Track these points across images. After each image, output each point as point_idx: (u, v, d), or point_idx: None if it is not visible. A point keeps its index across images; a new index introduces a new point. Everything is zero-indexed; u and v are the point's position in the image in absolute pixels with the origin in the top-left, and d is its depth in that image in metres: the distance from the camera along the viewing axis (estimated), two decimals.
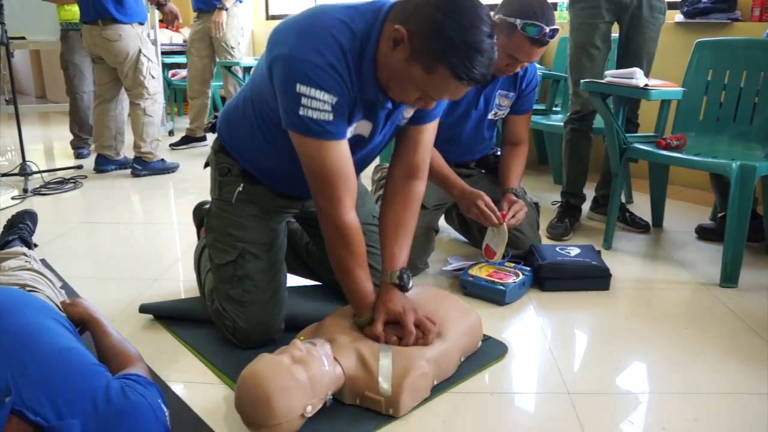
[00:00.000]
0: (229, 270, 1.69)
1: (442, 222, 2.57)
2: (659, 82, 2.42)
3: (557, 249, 2.23)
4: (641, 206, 3.04)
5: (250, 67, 4.61)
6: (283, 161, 1.58)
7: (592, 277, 2.14)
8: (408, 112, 1.60)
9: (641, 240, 2.70)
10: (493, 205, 2.10)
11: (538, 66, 3.71)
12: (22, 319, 1.28)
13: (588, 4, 2.57)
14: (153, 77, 3.90)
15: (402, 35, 1.31)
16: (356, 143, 1.53)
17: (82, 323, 1.58)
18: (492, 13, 1.60)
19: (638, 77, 2.28)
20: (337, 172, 1.45)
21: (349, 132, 1.49)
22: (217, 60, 4.68)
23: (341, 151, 1.45)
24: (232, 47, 4.49)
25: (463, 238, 2.67)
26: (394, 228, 1.63)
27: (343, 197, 1.48)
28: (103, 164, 4.03)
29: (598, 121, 2.70)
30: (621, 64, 2.60)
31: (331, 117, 1.38)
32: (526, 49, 1.99)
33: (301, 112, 1.37)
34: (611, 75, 2.37)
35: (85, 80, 4.47)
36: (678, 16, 3.32)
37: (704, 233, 2.69)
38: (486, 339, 1.73)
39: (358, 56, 1.39)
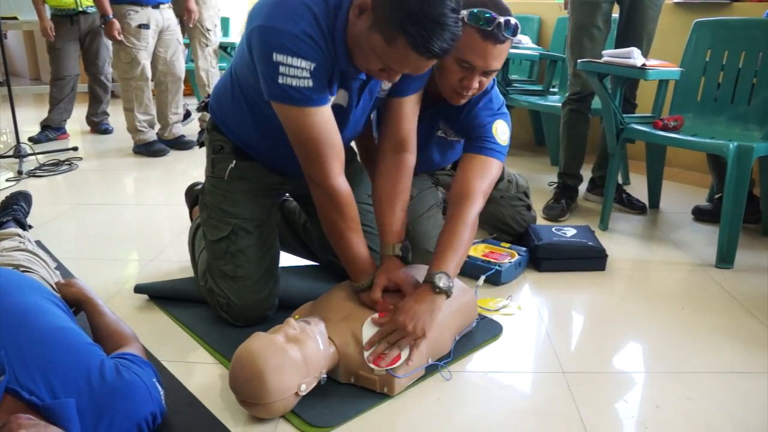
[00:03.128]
0: (222, 246, 1.70)
1: None
2: (657, 62, 2.40)
3: (553, 230, 2.23)
4: (638, 187, 3.04)
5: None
6: (272, 137, 1.59)
7: (589, 258, 2.15)
8: (386, 84, 1.59)
9: (638, 221, 2.69)
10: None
11: (537, 48, 3.68)
12: (16, 299, 1.28)
13: None
14: (121, 61, 3.84)
15: (366, 3, 1.31)
16: (337, 113, 1.52)
17: (77, 303, 1.58)
18: None
19: (636, 57, 2.26)
20: (321, 139, 1.45)
21: (331, 100, 1.49)
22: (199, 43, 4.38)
23: (324, 117, 1.44)
24: (208, 29, 4.21)
25: None
26: (389, 202, 1.63)
27: (330, 162, 1.48)
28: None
29: (596, 102, 2.69)
30: (620, 44, 2.58)
31: (310, 83, 1.38)
32: (479, 47, 1.56)
33: (280, 81, 1.38)
34: (608, 54, 2.35)
35: (68, 66, 4.40)
36: None
37: (701, 214, 2.69)
38: (481, 319, 1.73)
39: (332, 25, 1.39)
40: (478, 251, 2.11)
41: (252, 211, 1.72)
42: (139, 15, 3.70)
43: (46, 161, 3.68)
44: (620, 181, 3.12)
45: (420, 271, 1.60)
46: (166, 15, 3.85)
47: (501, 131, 1.76)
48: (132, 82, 3.81)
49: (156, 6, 3.75)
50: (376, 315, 1.49)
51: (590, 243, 2.16)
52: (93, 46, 4.42)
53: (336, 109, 1.51)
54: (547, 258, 2.12)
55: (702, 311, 1.88)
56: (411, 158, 1.66)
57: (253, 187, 1.73)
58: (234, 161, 1.71)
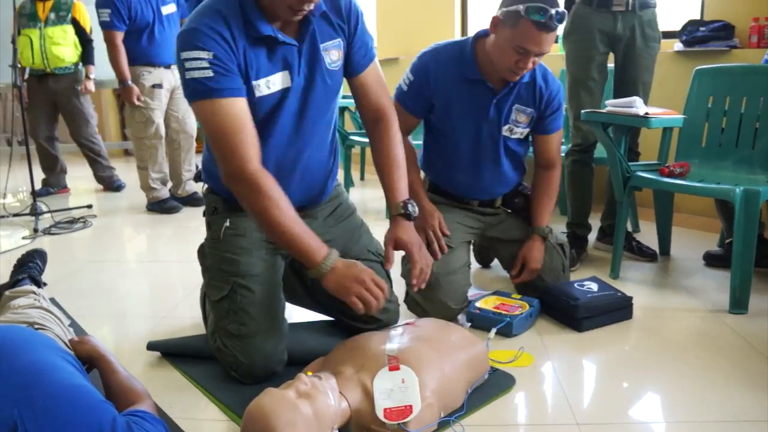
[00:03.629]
0: (224, 305, 1.70)
1: None
2: (659, 110, 2.44)
3: (576, 286, 2.15)
4: (648, 235, 3.04)
5: None
6: None
7: (620, 309, 2.13)
8: (333, 54, 1.67)
9: (649, 269, 2.69)
10: (440, 233, 2.10)
11: None
12: (30, 356, 1.29)
13: (582, 36, 2.58)
14: (136, 120, 3.95)
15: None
16: (286, 97, 1.61)
17: (90, 361, 1.59)
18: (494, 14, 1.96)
19: (638, 106, 2.30)
20: (231, 128, 1.50)
21: (267, 87, 1.57)
22: None
23: (234, 108, 1.51)
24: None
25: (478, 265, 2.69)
26: (387, 165, 1.78)
27: (243, 150, 1.51)
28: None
29: (599, 151, 2.72)
30: (617, 94, 2.62)
31: (210, 73, 1.48)
32: (534, 37, 1.88)
33: (187, 76, 1.49)
34: (611, 105, 2.39)
35: (36, 129, 4.55)
36: (677, 45, 3.36)
37: (712, 260, 2.68)
38: (493, 371, 1.72)
39: (237, 7, 1.52)
40: (489, 303, 2.10)
41: (250, 268, 1.72)
42: (152, 75, 3.82)
43: (61, 219, 3.74)
44: (630, 229, 3.14)
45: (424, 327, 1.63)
46: (176, 75, 3.97)
47: (563, 108, 2.23)
48: (146, 141, 3.90)
49: (168, 66, 3.87)
50: (387, 368, 1.49)
51: (618, 293, 2.14)
52: (66, 111, 4.56)
53: (284, 92, 1.60)
54: (587, 317, 2.05)
55: (717, 358, 1.86)
56: (393, 124, 1.81)
57: (250, 243, 1.74)
58: (228, 220, 1.74)
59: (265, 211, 1.53)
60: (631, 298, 2.15)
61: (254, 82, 1.56)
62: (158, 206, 3.99)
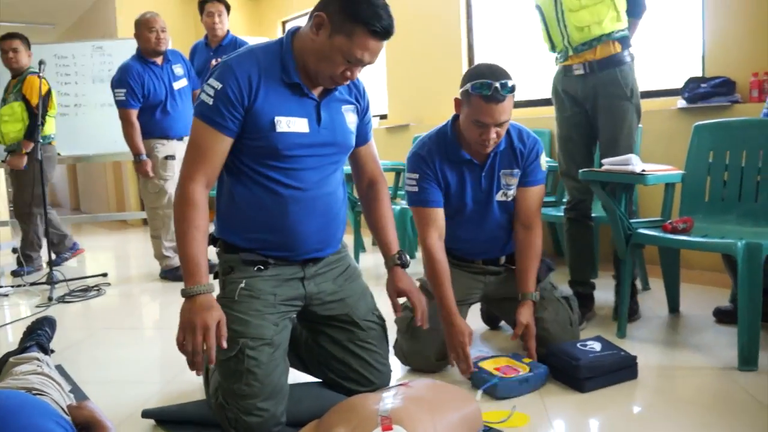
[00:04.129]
0: (231, 365, 1.72)
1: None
2: (657, 166, 2.46)
3: (579, 346, 2.13)
4: (658, 292, 3.00)
5: None
6: (261, 209, 1.79)
7: (624, 368, 2.09)
8: (350, 117, 1.89)
9: (657, 326, 2.65)
10: (468, 352, 2.07)
11: (547, 160, 3.77)
12: (22, 421, 1.31)
13: (556, 99, 2.77)
14: (149, 191, 4.04)
15: (321, 18, 1.66)
16: (310, 142, 1.78)
17: (87, 426, 1.60)
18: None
19: (634, 163, 2.32)
20: (200, 150, 1.71)
21: (287, 126, 1.74)
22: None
23: (211, 138, 1.71)
24: None
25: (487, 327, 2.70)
26: (380, 223, 2.01)
27: (196, 171, 1.71)
28: None
29: (598, 209, 2.72)
30: (601, 153, 2.63)
31: (211, 102, 1.70)
32: (484, 109, 2.04)
33: (199, 95, 1.74)
34: (608, 163, 2.41)
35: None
36: (680, 102, 3.40)
37: (722, 316, 2.63)
38: (487, 430, 1.69)
39: (277, 55, 1.76)
40: (494, 364, 2.09)
41: (261, 330, 1.75)
42: (165, 147, 3.94)
43: (75, 287, 3.80)
44: (640, 287, 3.11)
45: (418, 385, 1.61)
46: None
47: (543, 161, 2.30)
48: (159, 210, 3.99)
49: (180, 138, 3.99)
50: (380, 429, 1.48)
51: (622, 353, 2.11)
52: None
53: (299, 135, 1.76)
54: (590, 377, 2.02)
55: (726, 417, 1.81)
56: (383, 187, 2.05)
57: (264, 306, 1.78)
58: (244, 281, 1.78)
59: (184, 219, 1.68)
60: (635, 358, 2.11)
61: (276, 118, 1.74)
62: (171, 274, 4.03)
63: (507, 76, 2.06)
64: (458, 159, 2.24)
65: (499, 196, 2.28)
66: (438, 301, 2.16)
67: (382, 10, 1.65)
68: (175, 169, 3.98)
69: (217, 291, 1.71)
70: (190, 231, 1.67)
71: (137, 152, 3.88)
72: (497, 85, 2.01)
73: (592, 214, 2.81)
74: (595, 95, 2.60)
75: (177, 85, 4.00)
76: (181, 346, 1.65)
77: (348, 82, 1.78)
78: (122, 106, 3.84)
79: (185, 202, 1.70)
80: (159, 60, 3.95)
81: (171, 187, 3.98)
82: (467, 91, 2.07)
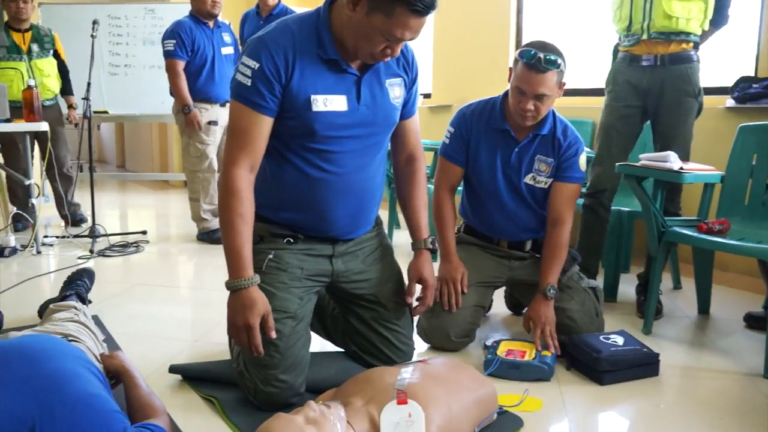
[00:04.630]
0: None
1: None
2: (696, 165, 2.42)
3: (601, 339, 2.13)
4: (689, 292, 2.96)
5: None
6: (290, 189, 1.79)
7: (645, 365, 2.09)
8: (396, 91, 1.82)
9: (685, 326, 2.62)
10: (459, 288, 2.23)
11: (587, 150, 3.73)
12: (56, 364, 1.38)
13: (613, 88, 2.74)
14: (190, 155, 4.04)
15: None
16: (349, 122, 1.74)
17: (117, 375, 1.68)
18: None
19: (672, 160, 2.29)
20: (242, 132, 1.68)
21: (324, 105, 1.69)
22: None
23: (252, 118, 1.67)
24: None
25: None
26: (413, 205, 1.99)
27: (240, 155, 1.68)
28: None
29: (636, 205, 2.68)
30: (655, 147, 2.65)
31: (249, 82, 1.65)
32: (526, 76, 2.10)
33: (235, 75, 1.69)
34: (645, 158, 2.39)
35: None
36: (729, 101, 3.31)
37: (753, 321, 2.59)
38: (502, 412, 1.72)
39: (314, 28, 1.68)
40: (504, 345, 2.12)
41: (285, 303, 1.77)
42: (209, 112, 3.99)
43: (115, 243, 3.93)
44: (672, 286, 3.08)
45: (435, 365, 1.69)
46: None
47: (582, 161, 2.31)
48: (199, 174, 4.05)
49: (223, 104, 4.03)
50: (395, 402, 1.51)
51: (644, 349, 2.11)
52: (52, 143, 4.16)
53: (337, 114, 1.71)
54: (610, 370, 2.02)
55: (744, 424, 1.79)
56: (421, 165, 2.01)
57: (290, 278, 1.80)
58: (273, 252, 1.80)
59: (228, 208, 1.67)
60: (657, 355, 2.10)
61: (313, 96, 1.68)
62: (207, 236, 4.11)
63: (556, 53, 2.12)
64: (498, 127, 2.29)
65: (527, 179, 2.30)
66: (440, 240, 2.33)
67: None
68: (217, 135, 4.05)
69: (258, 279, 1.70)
70: (233, 220, 1.66)
71: (185, 103, 3.89)
72: (541, 55, 2.07)
73: (612, 207, 2.82)
74: (662, 89, 2.61)
75: (224, 51, 4.05)
76: (230, 338, 1.73)
77: (389, 59, 1.71)
78: (170, 56, 3.87)
79: (228, 190, 1.67)
80: (211, 23, 4.01)
81: (212, 151, 4.04)
82: (516, 57, 2.16)
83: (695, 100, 2.62)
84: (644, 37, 2.60)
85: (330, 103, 1.71)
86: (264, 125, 1.69)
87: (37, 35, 4.44)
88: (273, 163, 1.78)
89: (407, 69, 1.86)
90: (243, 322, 1.64)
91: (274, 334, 1.67)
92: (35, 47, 4.40)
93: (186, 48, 3.88)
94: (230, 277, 1.67)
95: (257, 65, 1.64)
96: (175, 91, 3.92)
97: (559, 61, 2.11)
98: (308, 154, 1.75)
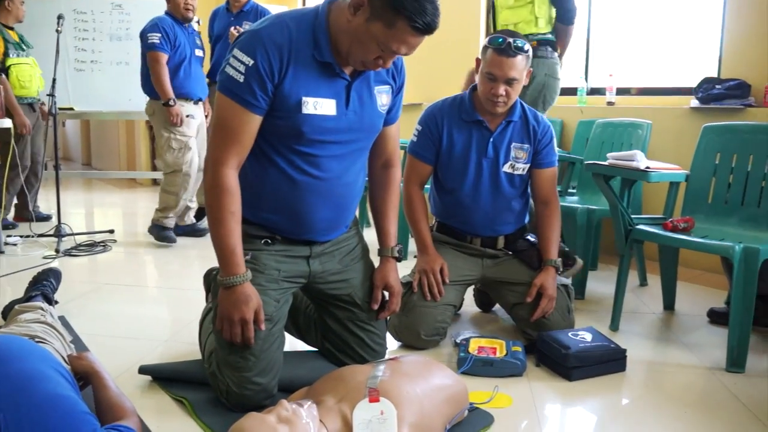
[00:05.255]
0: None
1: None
2: (662, 164, 2.47)
3: (570, 335, 2.16)
4: (655, 288, 3.03)
5: None
6: (271, 191, 1.77)
7: (613, 360, 2.13)
8: (383, 98, 1.81)
9: (650, 322, 2.68)
10: (440, 279, 2.28)
11: (557, 150, 3.79)
12: (21, 365, 1.36)
13: None
14: (172, 148, 3.97)
15: (362, 0, 1.55)
16: (337, 127, 1.73)
17: (85, 376, 1.65)
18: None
19: (638, 159, 2.33)
20: (230, 129, 1.65)
21: (314, 107, 1.68)
22: None
23: (241, 115, 1.64)
24: None
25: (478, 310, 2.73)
26: (384, 210, 1.99)
27: (226, 152, 1.66)
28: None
29: (603, 203, 2.74)
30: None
31: (241, 79, 1.61)
32: (496, 61, 2.17)
33: (225, 68, 1.64)
34: (612, 157, 2.43)
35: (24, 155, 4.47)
36: (693, 102, 3.39)
37: (716, 317, 2.66)
38: (473, 409, 1.74)
39: (310, 28, 1.65)
40: (475, 343, 2.14)
41: (262, 306, 1.74)
42: (185, 108, 3.96)
43: (82, 242, 3.86)
44: (638, 283, 3.14)
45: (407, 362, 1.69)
46: (201, 111, 4.14)
47: (555, 144, 2.42)
48: (183, 167, 3.96)
49: (197, 102, 4.02)
50: (367, 400, 1.52)
51: (612, 345, 2.14)
52: (40, 137, 4.55)
53: (324, 118, 1.70)
54: (578, 366, 2.06)
55: (707, 416, 1.84)
56: (396, 172, 2.02)
57: (267, 280, 1.78)
58: (249, 254, 1.76)
59: (218, 206, 1.66)
60: (624, 351, 2.15)
61: (304, 98, 1.66)
62: (157, 231, 3.98)
63: (524, 39, 2.21)
64: (470, 119, 2.33)
65: (506, 168, 2.34)
66: (415, 234, 2.40)
67: (429, 3, 1.52)
68: (194, 129, 4.03)
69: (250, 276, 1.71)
70: (225, 217, 1.65)
71: (169, 96, 3.84)
72: (510, 40, 2.16)
73: (581, 205, 2.91)
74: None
75: (197, 53, 4.08)
76: (220, 333, 1.71)
77: (380, 69, 1.70)
78: (155, 48, 3.82)
79: (218, 187, 1.66)
80: (186, 25, 4.02)
81: (193, 143, 4.00)
82: (485, 45, 2.23)
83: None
84: None
85: (320, 106, 1.69)
86: (253, 124, 1.67)
87: (19, 32, 4.50)
88: (255, 162, 1.75)
89: (395, 76, 1.86)
90: (239, 316, 1.66)
91: (264, 326, 1.69)
92: (23, 44, 4.47)
93: (170, 42, 3.86)
94: (224, 274, 1.67)
95: (252, 62, 1.60)
96: (158, 82, 3.84)
97: (527, 46, 2.20)
98: (292, 155, 1.73)
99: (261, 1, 4.41)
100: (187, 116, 3.97)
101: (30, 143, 4.49)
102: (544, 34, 3.00)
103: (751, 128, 2.58)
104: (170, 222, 4.05)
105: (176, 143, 3.96)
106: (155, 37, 3.82)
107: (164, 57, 3.85)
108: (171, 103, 3.85)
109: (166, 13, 3.98)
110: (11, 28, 4.45)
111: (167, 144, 3.98)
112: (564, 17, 3.05)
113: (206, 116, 4.22)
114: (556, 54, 3.07)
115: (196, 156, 4.03)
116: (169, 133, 3.95)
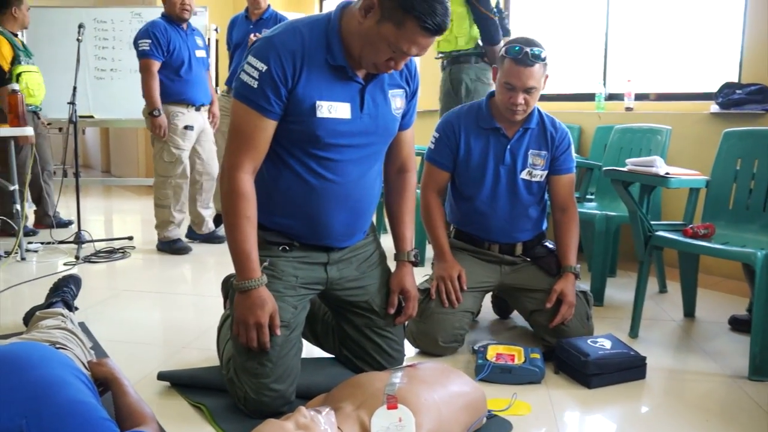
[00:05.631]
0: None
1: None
2: (682, 170, 2.44)
3: (589, 342, 2.14)
4: (675, 296, 2.99)
5: None
6: (288, 195, 1.78)
7: (632, 368, 2.11)
8: (398, 101, 1.82)
9: (671, 330, 2.65)
10: (458, 285, 2.27)
11: (575, 156, 3.76)
12: (42, 371, 1.37)
13: None
14: (164, 159, 3.93)
15: (372, 2, 1.57)
16: (352, 131, 1.74)
17: (105, 382, 1.67)
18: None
19: (658, 165, 2.31)
20: (245, 135, 1.68)
21: (329, 111, 1.69)
22: None
23: (256, 121, 1.67)
24: None
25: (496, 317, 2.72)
26: (400, 215, 1.99)
27: (242, 158, 1.69)
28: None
29: (622, 209, 2.71)
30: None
31: (255, 84, 1.64)
32: (514, 71, 2.16)
33: (240, 75, 1.67)
34: (632, 163, 2.41)
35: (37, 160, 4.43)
36: (713, 107, 3.36)
37: (738, 324, 2.62)
38: (491, 417, 1.73)
39: (323, 33, 1.68)
40: (493, 350, 2.13)
41: (280, 312, 1.74)
42: (185, 117, 3.89)
43: (101, 248, 3.90)
44: (657, 290, 3.11)
45: (425, 369, 1.68)
46: (204, 117, 4.06)
47: (573, 150, 2.41)
48: (171, 180, 3.93)
49: (198, 108, 3.97)
50: (385, 407, 1.52)
51: (631, 352, 2.12)
52: (39, 145, 4.41)
53: (339, 121, 1.71)
54: (597, 374, 2.04)
55: (729, 425, 1.82)
56: (412, 177, 2.02)
57: (284, 287, 1.79)
58: (267, 260, 1.78)
59: (235, 211, 1.68)
60: (644, 358, 2.12)
61: (318, 102, 1.68)
62: (168, 246, 3.99)
63: (540, 47, 2.19)
64: (488, 126, 2.33)
65: (524, 175, 2.34)
66: (433, 241, 2.40)
67: (438, 4, 1.54)
68: (192, 141, 3.98)
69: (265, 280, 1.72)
70: (241, 222, 1.67)
71: (155, 106, 3.76)
72: (528, 50, 2.14)
73: (599, 211, 2.87)
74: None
75: (198, 54, 3.99)
76: (237, 338, 1.72)
77: (392, 71, 1.72)
78: (146, 56, 3.75)
79: (234, 192, 1.68)
80: (184, 26, 3.93)
81: (186, 157, 3.95)
82: (502, 55, 2.22)
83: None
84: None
85: (334, 110, 1.71)
86: (268, 129, 1.69)
87: (22, 40, 4.48)
88: (272, 167, 1.77)
89: (409, 80, 1.87)
90: (254, 320, 1.67)
91: (279, 332, 1.70)
92: (26, 54, 4.45)
93: (162, 48, 3.78)
94: (239, 278, 1.69)
95: (265, 67, 1.63)
96: (146, 91, 3.79)
97: (544, 54, 2.18)
98: (309, 160, 1.74)
99: (279, 8, 4.42)
100: (186, 127, 3.89)
101: (37, 151, 4.43)
102: (467, 50, 3.25)
103: None
104: (174, 234, 4.02)
105: (168, 155, 3.90)
106: (145, 44, 3.75)
107: (156, 64, 3.77)
108: (155, 113, 3.78)
109: (163, 15, 3.90)
110: (16, 35, 4.43)
111: (159, 153, 3.94)
112: (486, 38, 3.28)
113: (211, 122, 4.16)
114: (483, 61, 3.35)
115: (188, 168, 3.98)
116: (162, 143, 3.89)
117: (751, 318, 2.56)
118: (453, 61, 3.41)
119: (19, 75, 4.26)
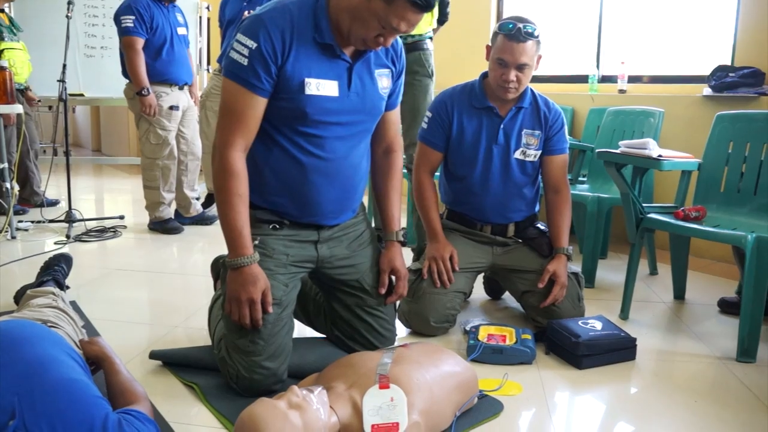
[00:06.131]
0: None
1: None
2: (674, 153, 2.45)
3: (580, 323, 2.16)
4: (665, 278, 3.02)
5: None
6: (277, 173, 1.78)
7: (623, 349, 2.13)
8: (384, 81, 1.83)
9: (661, 312, 2.67)
10: (449, 266, 2.28)
11: (568, 138, 3.76)
12: (36, 350, 1.37)
13: None
14: (151, 141, 3.88)
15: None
16: (339, 108, 1.74)
17: (97, 361, 1.67)
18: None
19: (651, 148, 2.31)
20: (236, 113, 1.68)
21: (317, 88, 1.70)
22: None
23: (246, 99, 1.67)
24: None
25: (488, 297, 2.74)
26: (387, 195, 2.00)
27: (233, 135, 1.69)
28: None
29: (615, 192, 2.72)
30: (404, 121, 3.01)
31: (245, 62, 1.64)
32: (507, 47, 2.16)
33: (230, 53, 1.68)
34: (625, 145, 2.41)
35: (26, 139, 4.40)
36: (706, 90, 3.36)
37: (727, 306, 2.65)
38: (482, 396, 1.74)
39: (311, 11, 1.68)
40: (485, 330, 2.14)
41: (271, 290, 1.75)
42: (170, 97, 3.84)
43: (92, 227, 3.88)
44: (648, 272, 3.13)
45: (417, 349, 1.68)
46: (188, 95, 4.02)
47: (566, 131, 2.42)
48: (159, 161, 3.90)
49: (182, 87, 3.92)
50: (377, 386, 1.52)
51: (622, 334, 2.14)
52: (27, 124, 4.31)
53: (327, 99, 1.72)
54: (588, 354, 2.06)
55: (718, 406, 1.84)
56: (398, 157, 2.02)
57: (275, 264, 1.79)
58: (258, 239, 1.78)
59: (226, 189, 1.69)
60: (634, 339, 2.14)
61: (306, 79, 1.69)
62: (160, 226, 3.97)
63: (534, 24, 2.18)
64: (480, 105, 2.33)
65: (518, 154, 2.34)
66: (425, 223, 2.41)
67: None
68: (177, 120, 3.94)
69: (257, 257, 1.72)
70: (232, 200, 1.68)
71: (143, 85, 3.68)
72: (520, 26, 2.15)
73: (591, 193, 2.86)
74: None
75: (180, 31, 3.92)
76: (229, 316, 1.73)
77: (380, 48, 1.73)
78: (129, 33, 3.65)
79: (225, 170, 1.68)
80: (165, 1, 3.84)
81: (172, 138, 3.91)
82: (495, 31, 2.22)
83: (428, 79, 3.11)
84: None
85: (322, 87, 1.71)
86: (259, 106, 1.69)
87: (10, 16, 4.38)
88: (261, 146, 1.77)
89: (395, 60, 1.88)
90: (246, 296, 1.68)
91: (271, 309, 1.71)
92: (11, 31, 4.34)
93: (145, 25, 3.69)
94: (231, 255, 1.70)
95: (255, 44, 1.64)
96: (132, 70, 3.70)
97: (537, 31, 2.17)
98: (297, 137, 1.75)
99: None
100: (171, 108, 3.84)
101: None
102: (422, 35, 3.16)
103: (765, 117, 2.55)
104: (165, 213, 4.00)
105: (154, 137, 3.85)
106: (128, 20, 3.65)
107: (140, 42, 3.67)
108: (144, 92, 3.71)
109: None
110: (2, 11, 4.32)
111: (145, 135, 3.88)
112: (442, 19, 3.37)
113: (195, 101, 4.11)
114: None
115: (175, 149, 3.95)
116: (148, 125, 3.85)
117: (740, 300, 2.58)
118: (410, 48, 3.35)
119: (1, 52, 4.17)
